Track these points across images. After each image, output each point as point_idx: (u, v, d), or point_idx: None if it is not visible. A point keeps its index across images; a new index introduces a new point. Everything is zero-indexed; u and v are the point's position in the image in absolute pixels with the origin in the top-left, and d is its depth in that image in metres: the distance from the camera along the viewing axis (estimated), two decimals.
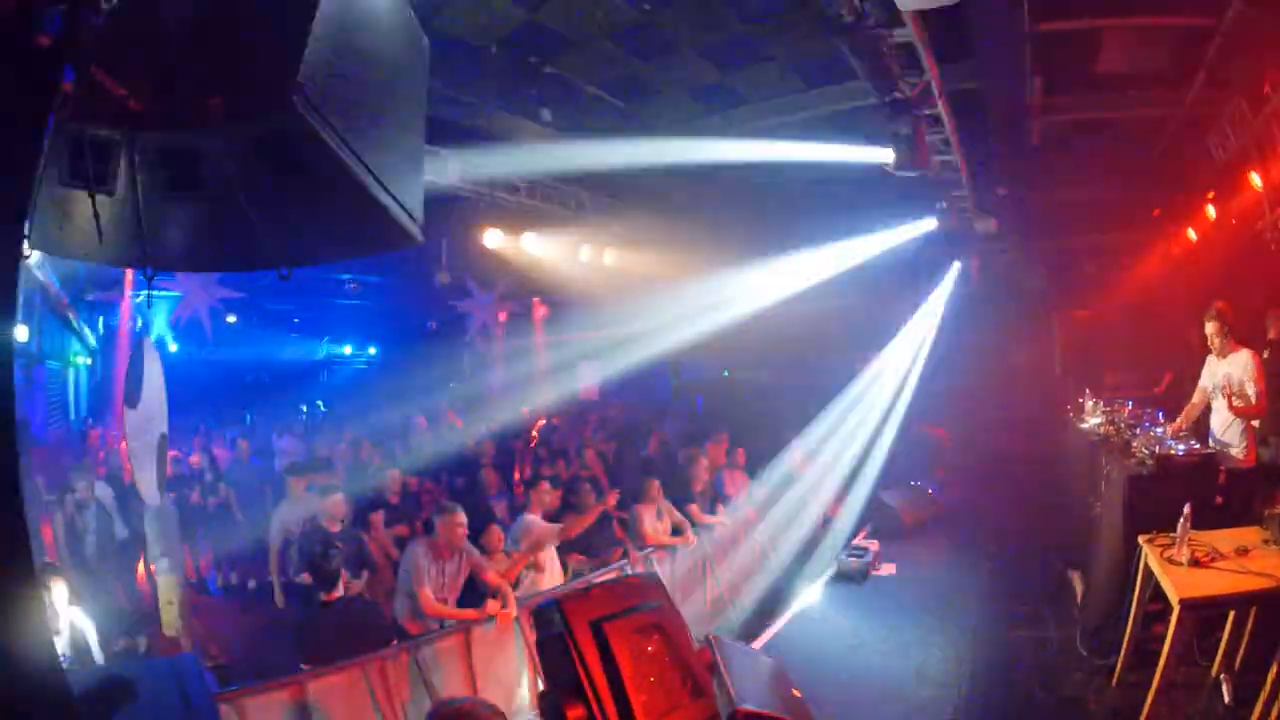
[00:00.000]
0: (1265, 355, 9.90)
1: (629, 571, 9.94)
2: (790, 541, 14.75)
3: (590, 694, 4.86)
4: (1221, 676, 7.47)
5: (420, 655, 7.78)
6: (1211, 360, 9.46)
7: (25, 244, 3.16)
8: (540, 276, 19.41)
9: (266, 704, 6.59)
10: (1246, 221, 13.12)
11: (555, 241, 17.03)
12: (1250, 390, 8.82)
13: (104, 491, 11.99)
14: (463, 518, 8.66)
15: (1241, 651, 7.44)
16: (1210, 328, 9.20)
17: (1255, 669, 7.04)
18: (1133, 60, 11.17)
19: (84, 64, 3.06)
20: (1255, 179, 12.04)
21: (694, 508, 12.06)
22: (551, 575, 9.71)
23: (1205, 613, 7.10)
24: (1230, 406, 9.06)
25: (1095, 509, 10.28)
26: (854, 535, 15.01)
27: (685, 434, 17.70)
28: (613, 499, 10.69)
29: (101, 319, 21.92)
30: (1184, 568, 6.82)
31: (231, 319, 23.85)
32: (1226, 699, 7.32)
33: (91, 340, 21.87)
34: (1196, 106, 12.13)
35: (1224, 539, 7.11)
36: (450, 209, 14.69)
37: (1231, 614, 7.32)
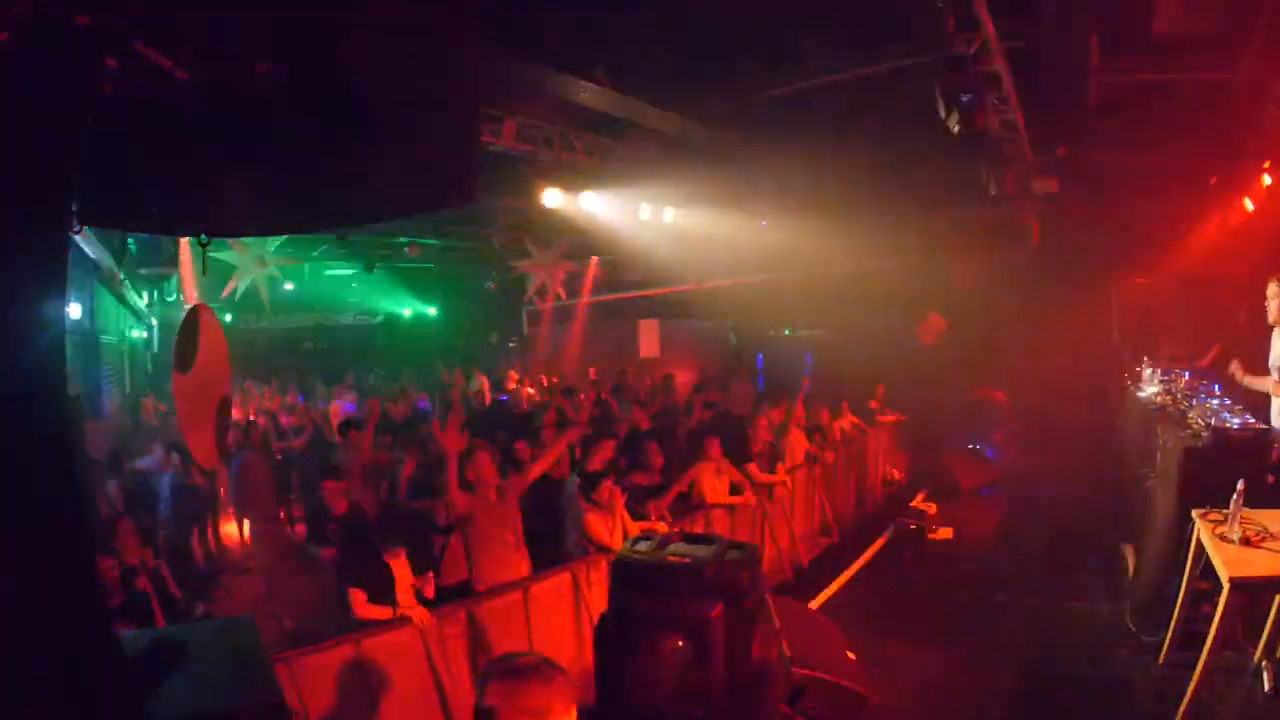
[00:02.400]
0: None
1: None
2: (850, 502, 15.00)
3: None
4: (1263, 663, 7.44)
5: (477, 612, 7.85)
6: (1276, 335, 9.13)
7: (74, 219, 3.32)
8: (599, 235, 19.60)
9: (322, 664, 6.67)
10: None
11: (614, 200, 17.09)
12: None
13: (174, 457, 12.17)
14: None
15: None
16: (1270, 290, 8.92)
17: None
18: (1188, 20, 11.03)
19: (127, 39, 3.13)
20: None
21: (752, 466, 12.14)
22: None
23: (1254, 593, 7.02)
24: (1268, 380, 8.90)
25: (1150, 480, 10.13)
26: (912, 497, 15.10)
27: (746, 393, 17.91)
28: (575, 433, 10.88)
29: (156, 292, 22.37)
30: (1235, 546, 6.72)
31: (289, 286, 24.27)
32: (1266, 687, 7.29)
33: (146, 313, 22.28)
34: (1253, 70, 11.95)
35: (1275, 519, 6.99)
36: (508, 169, 14.88)
37: (1277, 599, 7.26)
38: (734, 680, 5.15)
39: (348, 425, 12.75)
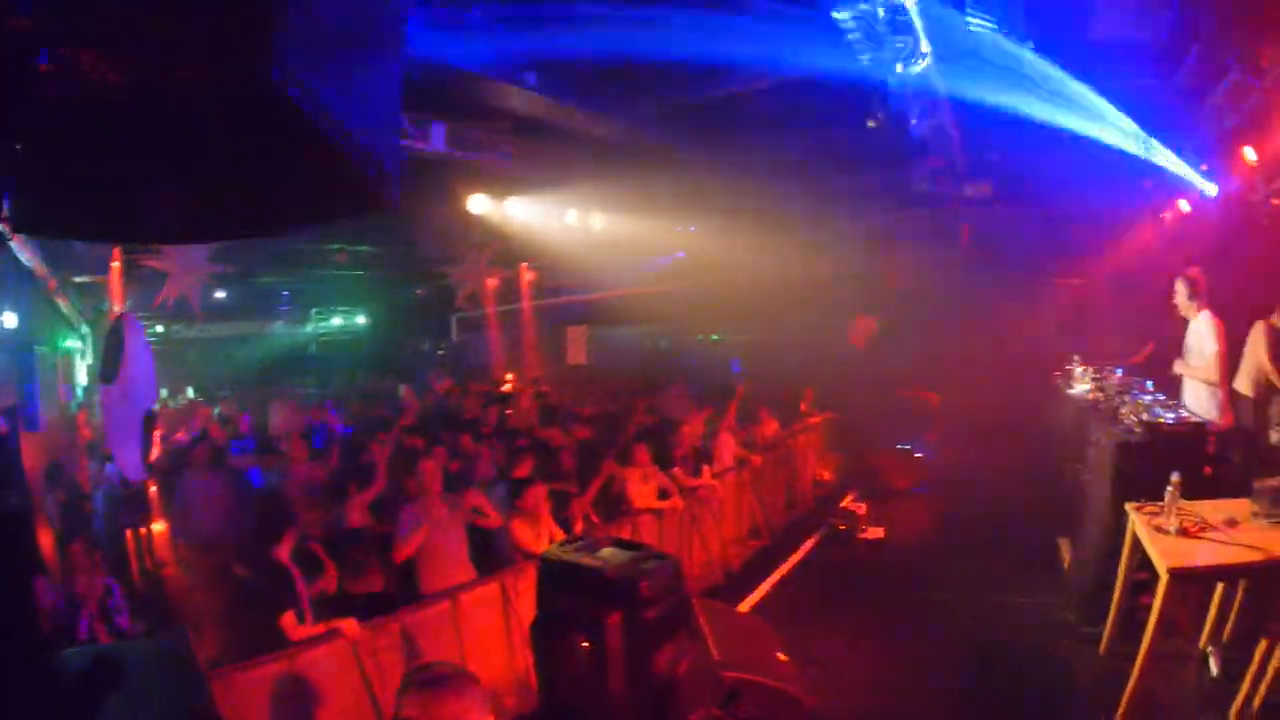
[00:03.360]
0: None
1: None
2: (780, 505, 14.89)
3: None
4: (1209, 649, 7.59)
5: (409, 623, 7.79)
6: (1190, 326, 9.56)
7: (6, 226, 3.17)
8: (527, 242, 19.36)
9: (257, 680, 6.59)
10: (1240, 194, 13.09)
11: (541, 206, 16.92)
12: (1208, 349, 8.97)
13: (111, 471, 11.80)
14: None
15: (1229, 625, 7.54)
16: (1177, 288, 9.45)
17: (1242, 643, 7.12)
18: (1127, 28, 11.08)
19: (57, 41, 2.86)
20: (1250, 153, 11.99)
21: (677, 471, 12.06)
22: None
23: (1192, 583, 7.17)
24: (1184, 365, 9.36)
25: (1083, 476, 10.28)
26: (842, 498, 15.01)
27: (674, 398, 17.70)
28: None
29: (91, 301, 21.96)
30: (1172, 537, 6.79)
31: (221, 294, 23.75)
32: (1214, 671, 7.42)
33: (81, 323, 21.85)
34: (1191, 78, 12.05)
35: (1212, 510, 7.06)
36: (437, 175, 14.60)
37: (1220, 586, 7.47)
38: (635, 691, 5.17)
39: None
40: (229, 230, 4.27)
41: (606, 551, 5.68)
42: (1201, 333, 9.09)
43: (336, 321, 31.84)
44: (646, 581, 5.31)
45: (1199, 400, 9.28)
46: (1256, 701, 6.59)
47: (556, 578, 5.69)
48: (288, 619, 7.16)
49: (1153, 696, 6.97)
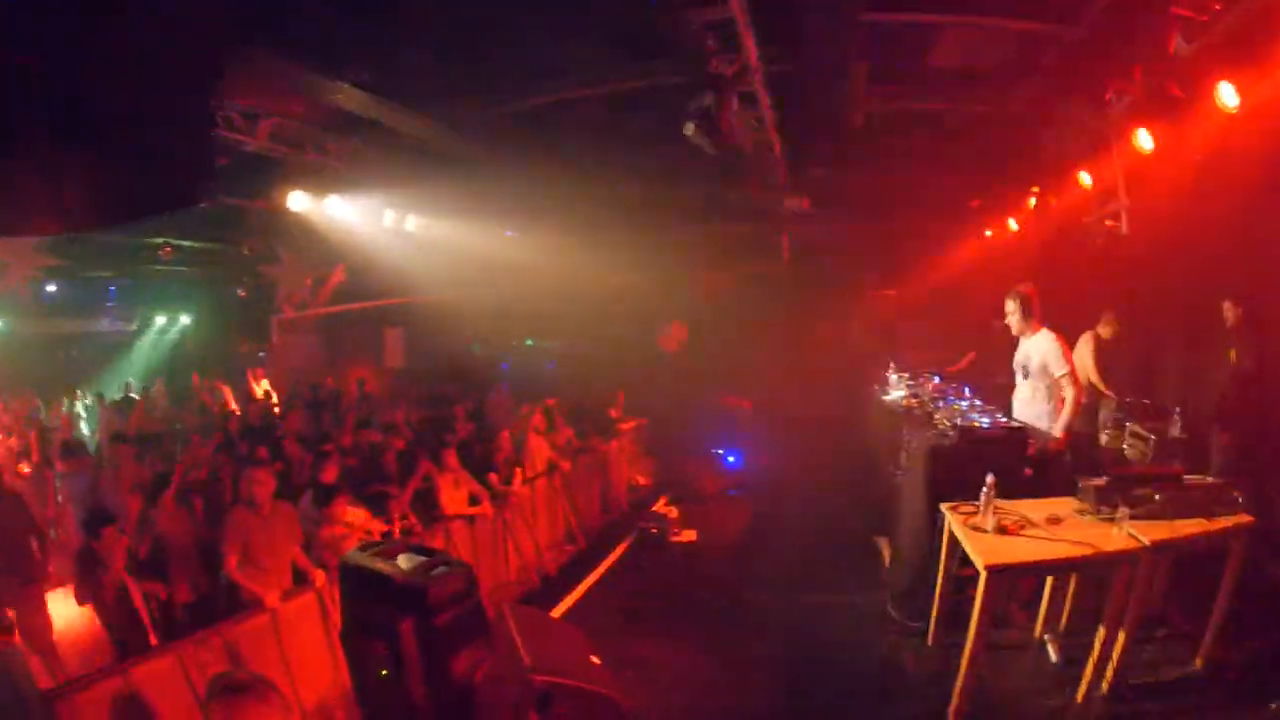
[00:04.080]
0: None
1: None
2: (595, 509, 14.82)
3: None
4: (1046, 638, 7.82)
5: (231, 636, 7.55)
6: (1022, 341, 9.56)
7: None
8: (346, 242, 18.87)
9: (95, 697, 6.36)
10: (1071, 217, 13.43)
11: (360, 206, 16.46)
12: (1057, 369, 8.90)
13: None
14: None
15: (1065, 615, 7.83)
16: (1009, 306, 9.39)
17: (1080, 632, 7.33)
18: (969, 57, 11.22)
19: None
20: (1085, 178, 12.37)
21: (493, 476, 11.93)
22: None
23: (1014, 578, 7.42)
24: (1050, 387, 9.19)
25: (897, 478, 10.48)
26: (654, 502, 14.94)
27: (492, 403, 17.73)
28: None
29: None
30: (990, 535, 6.87)
31: (52, 288, 23.00)
32: (1053, 658, 7.62)
33: None
34: (1030, 105, 12.29)
35: (1036, 508, 7.20)
36: (259, 170, 14.08)
37: (1050, 580, 7.78)
38: (435, 697, 5.20)
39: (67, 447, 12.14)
40: (40, 224, 3.96)
41: (401, 558, 5.60)
42: (1045, 350, 9.05)
43: (160, 320, 30.72)
44: (434, 588, 5.26)
45: (1039, 416, 9.20)
46: (1104, 686, 6.79)
47: (354, 583, 5.68)
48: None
49: (989, 686, 7.10)
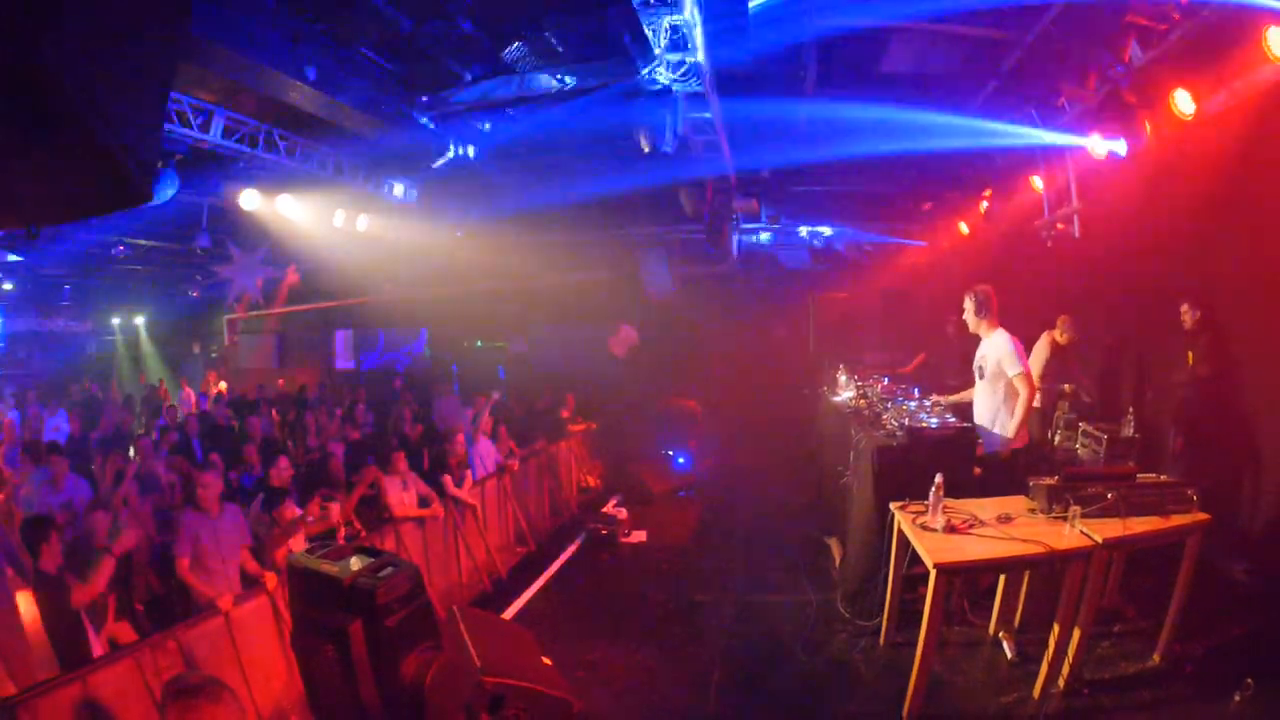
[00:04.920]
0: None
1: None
2: (545, 511, 14.76)
3: None
4: (1001, 635, 7.89)
5: (185, 639, 7.41)
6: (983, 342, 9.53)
7: None
8: (297, 242, 18.74)
9: (56, 704, 6.26)
10: (1023, 220, 13.55)
11: (310, 205, 16.33)
12: (1011, 369, 8.87)
13: None
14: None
15: (1019, 612, 7.89)
16: (966, 304, 9.34)
17: (1034, 628, 7.46)
18: (921, 63, 11.26)
19: None
20: (1037, 182, 12.59)
21: (446, 478, 11.82)
22: None
23: (964, 576, 7.63)
24: (1005, 388, 9.17)
25: (845, 477, 10.43)
26: (604, 503, 14.85)
27: (442, 408, 17.69)
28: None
29: None
30: (939, 534, 6.89)
31: (8, 286, 22.88)
32: (1009, 655, 7.66)
33: None
34: (982, 111, 12.35)
35: (986, 507, 7.26)
36: (214, 168, 13.96)
37: (1002, 578, 7.85)
38: (385, 699, 5.13)
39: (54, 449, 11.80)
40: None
41: (351, 559, 5.54)
42: (1001, 351, 8.98)
43: (115, 321, 30.39)
44: (383, 588, 5.21)
45: (996, 417, 9.15)
46: (1060, 682, 6.84)
47: (302, 586, 5.55)
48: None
49: (944, 684, 7.20)
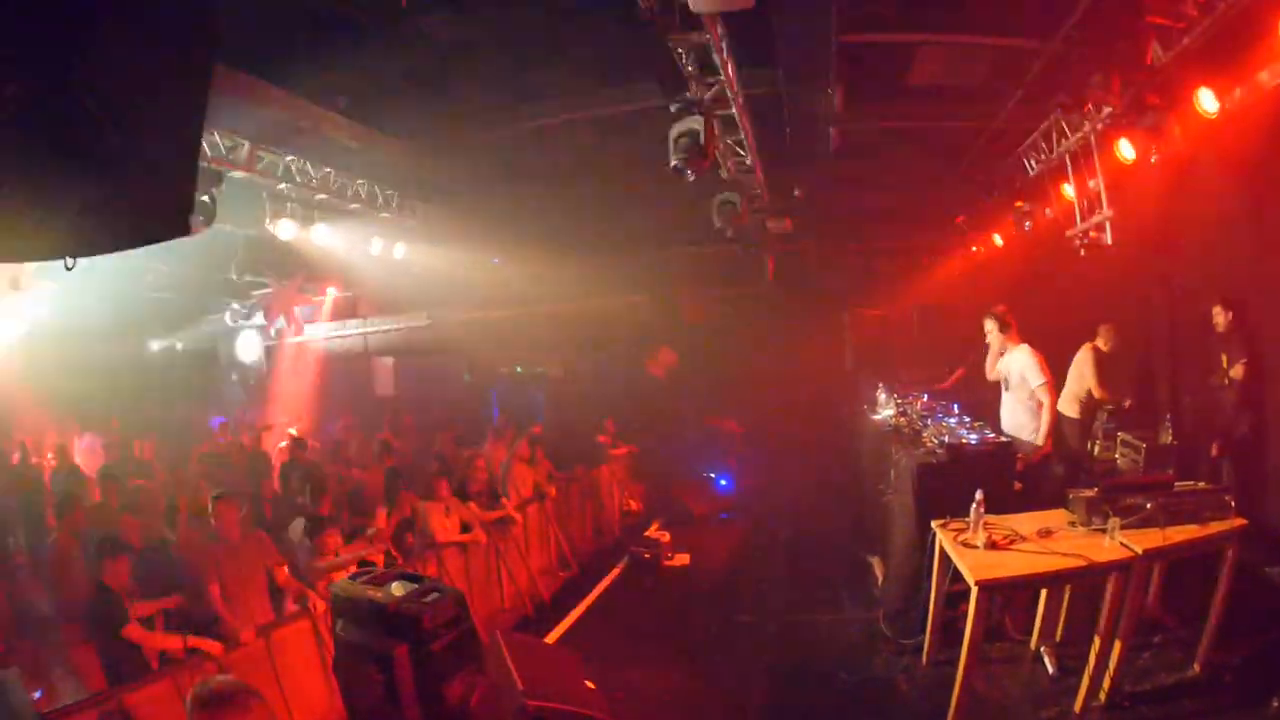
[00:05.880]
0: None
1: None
2: (588, 535, 14.83)
3: None
4: (1042, 649, 7.83)
5: (224, 664, 7.46)
6: (1006, 354, 9.84)
7: None
8: (334, 269, 18.88)
9: None
10: (1055, 228, 13.48)
11: (347, 233, 16.45)
12: (1034, 380, 9.12)
13: None
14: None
15: (1061, 625, 7.81)
16: (987, 326, 9.79)
17: (1076, 642, 7.39)
18: (948, 75, 11.26)
19: None
20: (1068, 190, 12.43)
21: (473, 505, 11.87)
22: None
23: (1006, 593, 7.51)
24: (1029, 398, 9.41)
25: (886, 496, 10.42)
26: (647, 526, 14.86)
27: (476, 431, 17.52)
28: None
29: None
30: (980, 550, 6.88)
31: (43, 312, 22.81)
32: (1050, 670, 7.63)
33: None
34: (1010, 120, 12.35)
35: (1026, 522, 7.26)
36: (247, 198, 14.03)
37: (1044, 592, 7.75)
38: None
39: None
40: (29, 250, 3.99)
41: (394, 585, 5.62)
42: (1024, 364, 9.36)
43: (155, 347, 30.19)
44: (428, 613, 5.29)
45: (1022, 427, 9.50)
46: (1102, 695, 6.78)
47: (346, 611, 5.63)
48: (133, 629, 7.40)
49: (985, 701, 7.18)
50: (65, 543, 9.53)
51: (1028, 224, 14.40)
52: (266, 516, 10.87)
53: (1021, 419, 9.62)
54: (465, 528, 11.34)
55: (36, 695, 6.80)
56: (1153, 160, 9.83)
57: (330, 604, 5.97)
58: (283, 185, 13.29)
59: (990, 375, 10.53)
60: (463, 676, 5.27)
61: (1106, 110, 10.16)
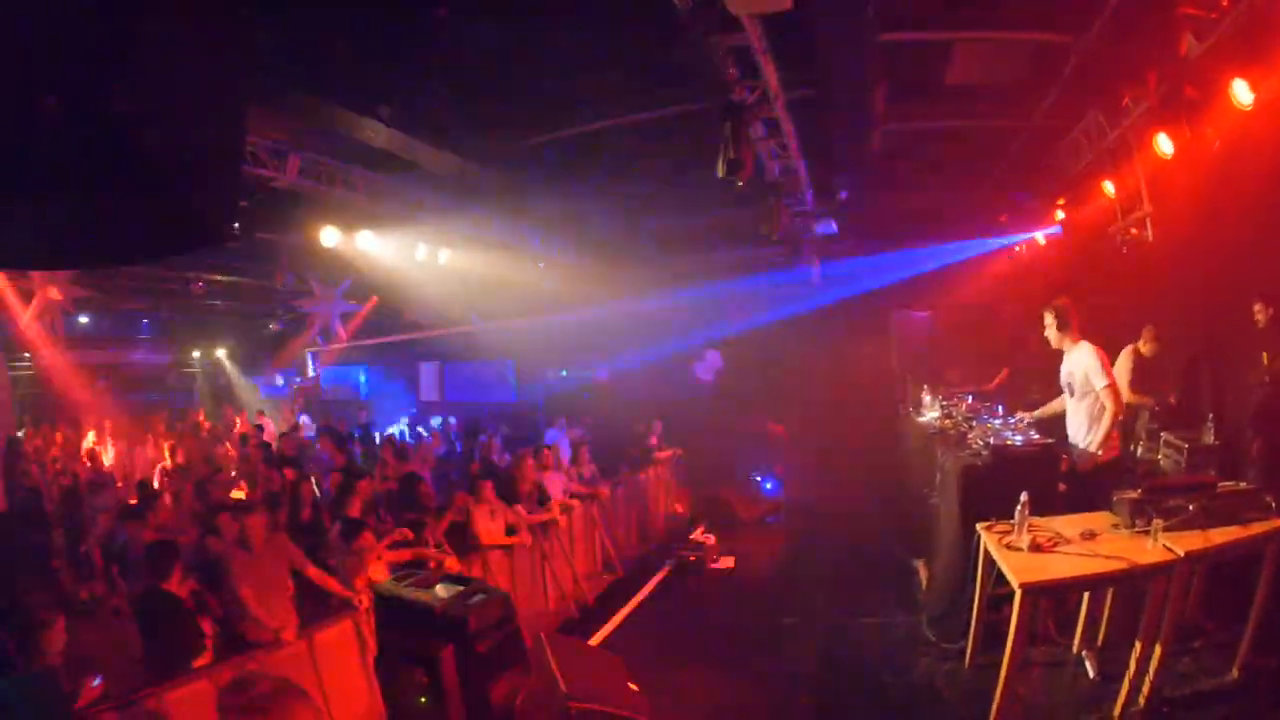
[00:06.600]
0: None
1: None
2: (633, 538, 14.95)
3: None
4: (1084, 653, 7.74)
5: (267, 664, 7.50)
6: (1065, 356, 9.25)
7: None
8: (378, 276, 19.05)
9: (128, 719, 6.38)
10: (1097, 226, 13.39)
11: (391, 240, 16.59)
12: (1099, 382, 8.62)
13: None
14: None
15: (1103, 629, 7.78)
16: (1046, 319, 9.14)
17: (1118, 645, 7.29)
18: (985, 72, 11.23)
19: None
20: (1109, 187, 12.43)
21: (519, 508, 11.90)
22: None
23: (1049, 596, 7.32)
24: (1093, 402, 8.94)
25: (932, 499, 10.44)
26: (692, 530, 14.84)
27: (520, 436, 17.77)
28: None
29: None
30: (1024, 553, 6.82)
31: (84, 320, 23.25)
32: (1091, 674, 7.54)
33: None
34: (1049, 117, 12.32)
35: (1070, 524, 7.17)
36: (291, 206, 14.26)
37: (1086, 595, 7.68)
38: None
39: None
40: (77, 258, 4.08)
41: (438, 587, 5.80)
42: (1086, 364, 8.75)
43: (196, 354, 30.74)
44: (474, 615, 5.46)
45: (1081, 431, 8.92)
46: (1141, 700, 6.70)
47: (390, 612, 5.86)
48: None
49: (1025, 703, 7.09)
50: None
51: (1059, 213, 14.36)
52: (304, 519, 10.91)
53: (1084, 424, 8.94)
54: (510, 530, 11.37)
55: (95, 683, 6.81)
56: (1188, 153, 9.75)
57: (374, 605, 6.19)
58: (328, 191, 13.48)
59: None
60: (507, 679, 5.36)
61: (1143, 104, 10.11)
